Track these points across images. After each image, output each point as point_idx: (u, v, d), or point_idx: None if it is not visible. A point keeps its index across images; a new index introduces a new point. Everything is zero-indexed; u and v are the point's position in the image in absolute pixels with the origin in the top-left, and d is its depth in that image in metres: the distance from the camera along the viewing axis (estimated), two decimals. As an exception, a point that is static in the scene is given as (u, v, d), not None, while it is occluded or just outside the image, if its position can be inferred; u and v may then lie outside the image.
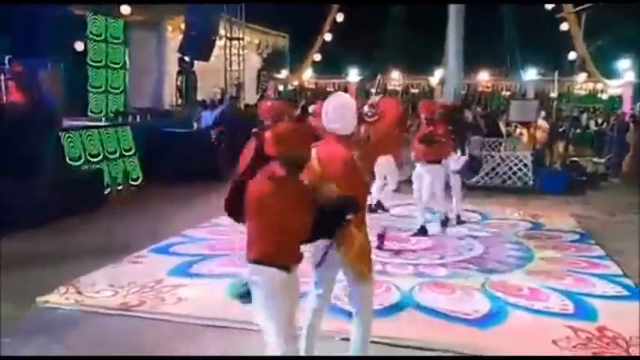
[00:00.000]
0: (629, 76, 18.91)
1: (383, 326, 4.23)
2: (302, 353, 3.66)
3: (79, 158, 9.44)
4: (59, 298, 4.98)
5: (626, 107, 18.35)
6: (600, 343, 4.30)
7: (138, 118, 12.34)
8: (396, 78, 21.27)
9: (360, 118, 4.03)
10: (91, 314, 4.72)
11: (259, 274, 3.00)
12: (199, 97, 15.77)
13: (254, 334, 4.33)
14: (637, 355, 4.15)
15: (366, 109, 5.65)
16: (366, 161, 3.56)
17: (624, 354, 4.14)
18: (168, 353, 4.07)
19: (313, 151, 3.47)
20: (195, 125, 12.82)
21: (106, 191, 9.44)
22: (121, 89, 12.74)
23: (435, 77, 20.15)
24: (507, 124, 13.67)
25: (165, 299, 5.01)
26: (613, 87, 19.53)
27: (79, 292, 5.10)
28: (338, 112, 3.47)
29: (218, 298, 4.81)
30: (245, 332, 4.36)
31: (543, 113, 13.91)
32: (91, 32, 11.71)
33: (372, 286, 3.70)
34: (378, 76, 6.25)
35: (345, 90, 21.53)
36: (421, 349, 4.14)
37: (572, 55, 19.06)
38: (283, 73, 22.54)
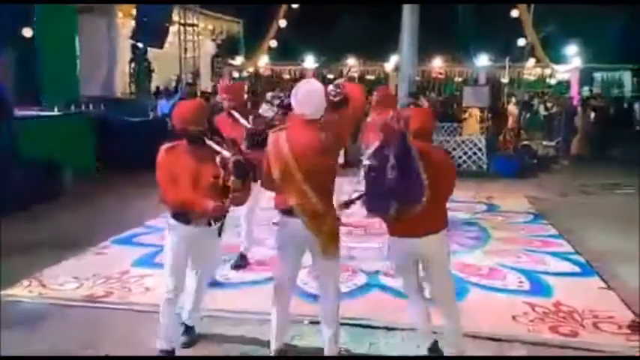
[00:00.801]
0: (576, 62, 19.53)
1: (350, 307, 4.36)
2: (273, 339, 3.74)
3: (34, 148, 9.20)
4: (23, 291, 4.91)
5: (574, 92, 18.97)
6: (557, 317, 4.53)
7: (91, 107, 12.06)
8: (352, 64, 21.34)
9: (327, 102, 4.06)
10: (56, 306, 4.67)
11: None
12: (154, 85, 15.50)
13: (221, 320, 4.41)
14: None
15: (330, 87, 5.74)
16: (337, 145, 3.67)
17: (579, 327, 4.38)
18: (138, 342, 4.07)
19: (282, 135, 3.54)
20: (151, 114, 12.62)
21: (63, 182, 9.22)
22: (72, 77, 12.38)
23: (390, 63, 20.31)
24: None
25: (132, 289, 4.99)
26: (561, 72, 20.13)
27: (43, 285, 5.03)
28: (307, 97, 3.53)
29: (187, 286, 4.80)
30: (213, 319, 4.40)
31: (514, 99, 14.24)
32: (39, 18, 11.31)
33: (339, 263, 3.77)
34: (348, 66, 6.13)
35: (302, 77, 21.56)
36: (387, 328, 4.28)
37: (521, 42, 19.52)
38: (238, 60, 22.29)
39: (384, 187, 3.34)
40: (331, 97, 5.74)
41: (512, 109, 13.30)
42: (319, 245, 3.53)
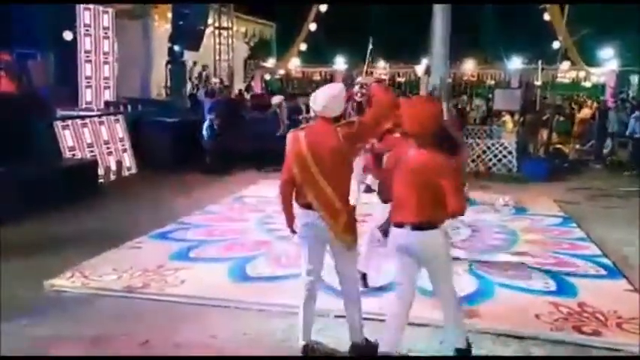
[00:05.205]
0: (612, 64, 19.25)
1: (376, 304, 4.49)
2: (301, 334, 3.89)
3: (74, 147, 9.58)
4: (66, 282, 5.17)
5: (609, 95, 18.69)
6: (580, 317, 4.59)
7: (129, 108, 12.44)
8: (382, 67, 21.39)
9: (352, 100, 4.22)
10: (98, 296, 4.92)
11: None
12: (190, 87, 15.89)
13: (261, 313, 4.56)
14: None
15: (356, 89, 5.84)
16: (353, 142, 3.80)
17: (602, 327, 4.43)
18: (173, 331, 4.27)
19: (301, 134, 3.74)
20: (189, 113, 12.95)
21: (100, 180, 9.57)
22: (111, 79, 12.77)
23: (421, 66, 20.31)
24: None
25: (169, 282, 5.20)
26: (596, 75, 19.86)
27: (85, 276, 5.29)
28: (324, 96, 3.77)
29: (221, 280, 5.05)
30: (250, 312, 4.57)
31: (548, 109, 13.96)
32: (81, 23, 11.72)
33: (356, 254, 4.01)
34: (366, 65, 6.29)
35: (332, 78, 21.71)
36: (414, 324, 4.38)
37: (555, 44, 19.33)
38: (270, 62, 22.61)
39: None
40: (356, 98, 5.90)
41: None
42: (335, 236, 3.71)
